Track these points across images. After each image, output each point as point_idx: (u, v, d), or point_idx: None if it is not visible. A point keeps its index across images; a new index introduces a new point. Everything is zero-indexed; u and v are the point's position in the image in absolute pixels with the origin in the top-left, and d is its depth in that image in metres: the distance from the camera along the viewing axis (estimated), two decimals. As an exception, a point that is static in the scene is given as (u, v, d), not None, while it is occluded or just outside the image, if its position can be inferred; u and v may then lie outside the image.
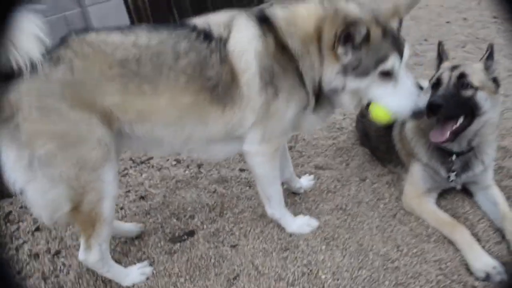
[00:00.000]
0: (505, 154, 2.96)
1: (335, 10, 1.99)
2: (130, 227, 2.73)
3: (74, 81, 1.86)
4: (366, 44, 1.92)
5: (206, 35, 2.05)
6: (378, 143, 3.02)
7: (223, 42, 2.04)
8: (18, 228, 2.97)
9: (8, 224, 3.02)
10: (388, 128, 2.86)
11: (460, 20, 6.67)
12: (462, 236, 2.26)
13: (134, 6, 6.74)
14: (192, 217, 2.85)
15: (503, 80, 4.14)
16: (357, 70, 1.95)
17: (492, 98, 2.32)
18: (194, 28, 2.07)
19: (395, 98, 1.99)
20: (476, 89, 2.27)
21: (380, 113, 2.05)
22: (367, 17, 1.96)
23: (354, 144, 3.46)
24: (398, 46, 1.96)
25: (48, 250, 2.70)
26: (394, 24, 2.01)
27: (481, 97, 2.28)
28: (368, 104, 2.09)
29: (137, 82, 1.97)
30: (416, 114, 1.99)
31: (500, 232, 2.32)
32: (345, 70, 1.97)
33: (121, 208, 3.04)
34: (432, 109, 2.16)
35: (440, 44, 2.61)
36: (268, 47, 2.03)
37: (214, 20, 2.11)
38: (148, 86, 1.98)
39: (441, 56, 2.57)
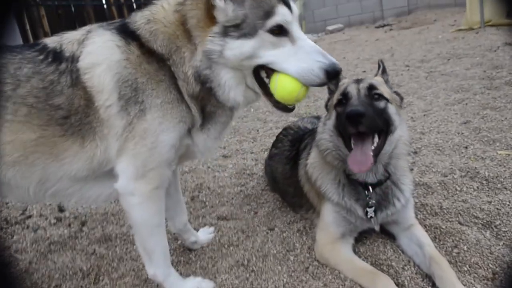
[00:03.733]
0: (426, 191, 2.64)
1: None
2: None
3: None
4: None
5: (56, 56, 1.68)
6: (286, 186, 2.62)
7: (75, 61, 1.67)
8: None
9: None
10: (294, 168, 2.48)
11: (376, 70, 6.77)
12: (385, 288, 1.83)
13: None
14: (58, 286, 2.21)
15: (419, 119, 4.02)
16: (241, 28, 1.59)
17: (400, 113, 2.08)
18: (42, 49, 1.71)
19: (298, 59, 1.60)
20: (387, 100, 2.01)
21: (284, 84, 1.62)
22: None
23: (264, 191, 3.03)
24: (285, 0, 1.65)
25: None
26: None
27: (392, 111, 2.03)
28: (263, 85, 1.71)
29: None
30: (332, 73, 1.58)
31: (429, 278, 1.92)
32: (225, 31, 1.61)
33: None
34: (354, 118, 1.82)
35: None
36: (130, 55, 1.66)
37: (68, 38, 1.75)
38: None
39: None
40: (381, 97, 2.01)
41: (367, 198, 2.05)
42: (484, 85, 4.80)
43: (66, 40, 1.74)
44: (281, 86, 1.62)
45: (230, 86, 1.69)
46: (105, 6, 8.88)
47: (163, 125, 1.67)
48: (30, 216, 3.15)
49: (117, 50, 1.67)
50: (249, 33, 1.59)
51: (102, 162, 1.73)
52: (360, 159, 1.89)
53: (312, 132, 2.48)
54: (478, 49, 6.75)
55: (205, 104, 1.76)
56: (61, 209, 3.19)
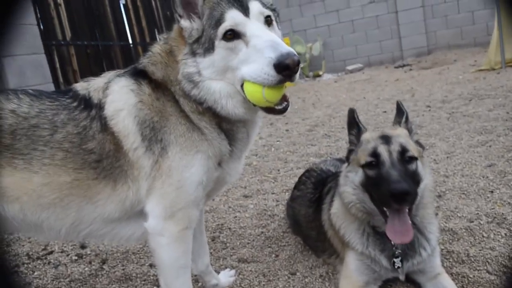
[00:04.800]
0: (452, 237, 2.59)
1: None
2: None
3: None
4: (206, 10, 1.69)
5: (87, 103, 1.79)
6: (308, 230, 2.59)
7: (102, 108, 1.77)
8: None
9: None
10: (317, 212, 2.46)
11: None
12: None
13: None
14: (76, 330, 2.21)
15: (442, 162, 3.98)
16: (202, 43, 1.66)
17: (423, 161, 2.05)
18: (75, 96, 1.82)
19: (251, 60, 1.57)
20: (416, 159, 1.97)
21: (246, 88, 1.61)
22: None
23: (286, 233, 3.01)
24: (238, 2, 1.65)
25: None
26: None
27: (420, 166, 1.98)
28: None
29: (8, 156, 1.66)
30: (281, 66, 1.48)
31: (457, 332, 1.86)
32: (192, 50, 1.69)
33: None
34: (400, 197, 1.76)
35: (352, 112, 2.23)
36: (143, 96, 1.76)
37: (93, 85, 1.87)
38: (20, 162, 1.67)
39: (357, 125, 2.19)
40: (412, 159, 1.95)
41: (393, 248, 2.01)
42: (508, 127, 4.75)
43: (93, 87, 1.85)
44: (245, 90, 1.62)
45: (226, 98, 1.70)
46: (131, 46, 9.20)
47: (184, 160, 1.72)
48: (51, 252, 3.19)
49: (132, 94, 1.77)
50: (210, 47, 1.65)
51: (134, 203, 1.79)
52: (401, 230, 1.85)
53: (335, 176, 2.46)
54: (500, 89, 6.72)
55: (220, 122, 1.79)
56: (82, 246, 3.21)
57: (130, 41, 9.28)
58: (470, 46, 12.44)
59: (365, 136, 2.11)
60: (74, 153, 1.70)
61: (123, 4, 9.06)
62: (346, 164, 2.19)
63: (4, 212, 1.72)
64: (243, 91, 1.65)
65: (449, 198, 3.15)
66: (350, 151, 2.16)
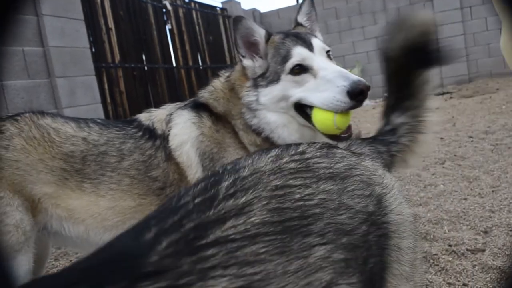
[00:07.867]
0: (499, 276, 2.56)
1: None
2: None
3: (6, 158, 1.72)
4: (271, 50, 1.90)
5: (151, 134, 1.96)
6: None
7: (165, 140, 1.94)
8: None
9: None
10: None
11: (437, 140, 6.71)
12: None
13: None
14: None
15: (487, 196, 3.92)
16: (267, 77, 1.84)
17: None
18: (139, 126, 1.99)
19: (321, 90, 1.72)
20: None
21: (316, 116, 1.76)
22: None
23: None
24: (302, 39, 1.84)
25: None
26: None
27: None
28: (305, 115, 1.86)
29: (78, 179, 1.82)
30: (355, 92, 1.66)
31: None
32: (256, 83, 1.87)
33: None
34: None
35: None
36: (204, 129, 1.92)
37: (156, 116, 2.04)
38: (89, 186, 1.83)
39: None
40: None
41: None
42: (556, 162, 4.64)
43: (155, 118, 2.01)
44: (315, 118, 1.77)
45: (282, 127, 1.85)
46: (175, 69, 9.54)
47: None
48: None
49: (194, 127, 1.92)
50: (274, 79, 1.82)
51: None
52: None
53: None
54: (547, 122, 6.56)
55: None
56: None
57: (174, 64, 9.62)
58: (514, 75, 12.18)
59: None
60: (140, 179, 1.85)
61: (169, 29, 9.45)
62: None
63: (69, 233, 1.87)
64: (311, 121, 1.81)
65: (496, 234, 3.11)
66: None
